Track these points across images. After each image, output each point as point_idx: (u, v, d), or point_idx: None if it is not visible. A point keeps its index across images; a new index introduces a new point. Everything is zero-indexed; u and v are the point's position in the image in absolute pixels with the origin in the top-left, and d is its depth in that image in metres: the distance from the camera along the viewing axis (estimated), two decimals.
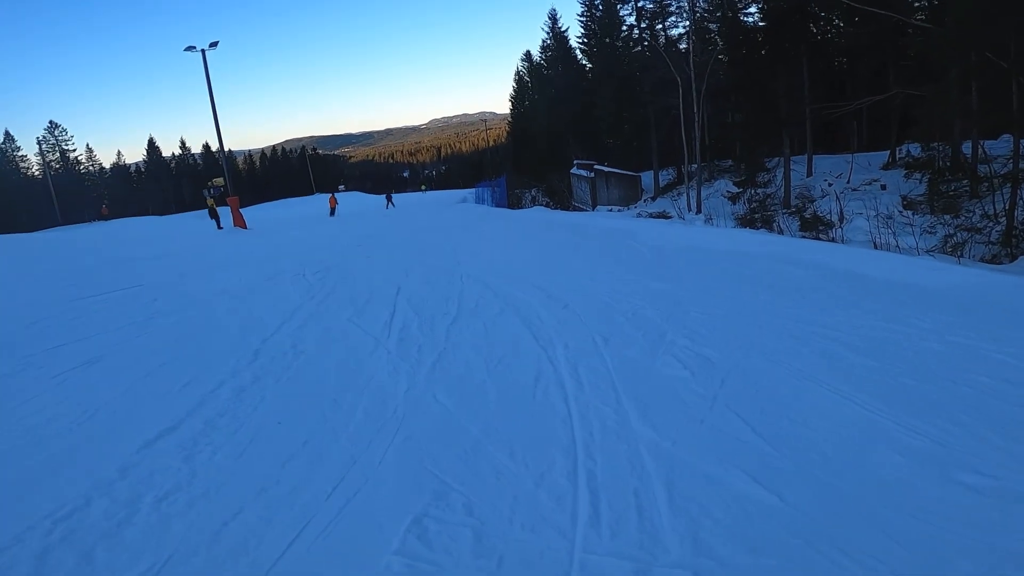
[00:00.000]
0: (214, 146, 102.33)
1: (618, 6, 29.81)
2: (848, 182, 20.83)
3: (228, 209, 25.13)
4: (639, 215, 22.00)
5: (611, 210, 27.34)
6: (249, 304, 6.38)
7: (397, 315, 5.27)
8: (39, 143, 69.59)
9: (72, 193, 71.02)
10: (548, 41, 41.26)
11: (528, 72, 62.68)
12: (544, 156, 39.78)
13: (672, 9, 27.61)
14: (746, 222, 18.08)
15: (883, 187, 19.44)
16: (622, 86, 28.51)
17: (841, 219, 16.02)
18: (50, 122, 79.43)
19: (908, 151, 21.53)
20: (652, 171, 30.86)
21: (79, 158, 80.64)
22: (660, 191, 29.08)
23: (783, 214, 18.89)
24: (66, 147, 78.80)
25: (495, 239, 11.28)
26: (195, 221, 41.98)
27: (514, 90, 65.81)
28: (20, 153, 74.55)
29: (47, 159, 78.93)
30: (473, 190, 58.07)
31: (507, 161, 68.88)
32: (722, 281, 6.18)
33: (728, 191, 21.40)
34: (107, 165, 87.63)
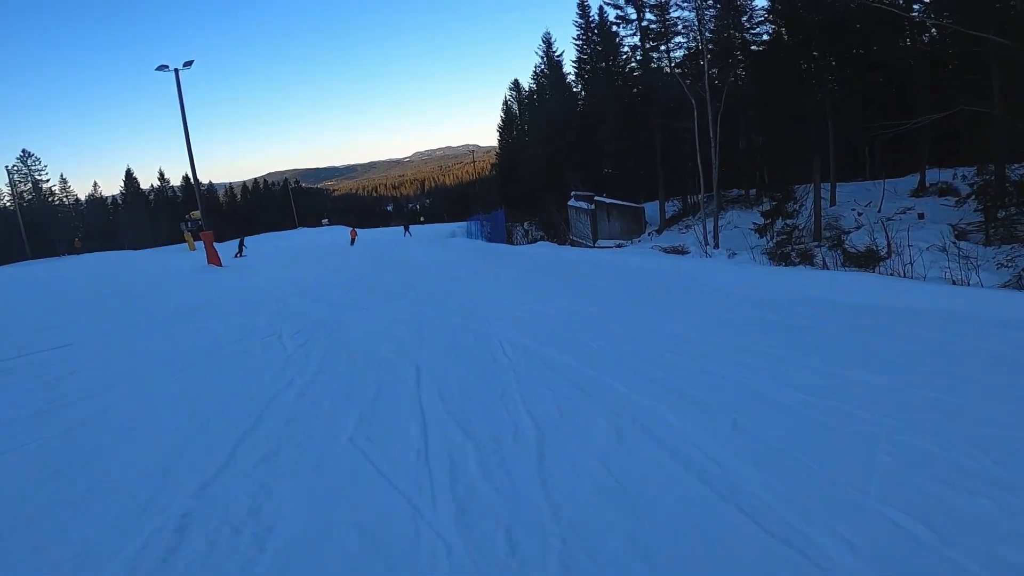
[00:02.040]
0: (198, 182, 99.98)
1: (618, 27, 28.46)
2: (879, 211, 19.28)
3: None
4: (654, 249, 20.18)
5: (620, 245, 25.56)
6: (199, 389, 4.34)
7: (432, 434, 3.11)
8: (8, 173, 66.89)
9: (44, 225, 68.51)
10: (542, 67, 39.96)
11: (517, 101, 61.78)
12: (538, 187, 38.17)
13: (678, 29, 26.29)
14: (779, 257, 16.33)
15: (920, 216, 17.85)
16: (625, 111, 27.00)
17: (890, 252, 14.31)
18: (23, 151, 77.09)
19: (940, 177, 20.13)
20: (655, 202, 29.27)
21: (53, 189, 78.20)
22: (666, 223, 27.42)
23: (816, 247, 17.19)
24: (39, 177, 76.34)
25: (518, 284, 9.30)
26: (169, 256, 39.72)
27: (502, 120, 64.71)
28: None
29: (18, 189, 76.42)
30: (462, 224, 56.45)
31: (494, 193, 67.58)
32: (936, 366, 3.91)
33: (754, 223, 19.68)
34: (83, 196, 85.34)
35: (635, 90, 27.87)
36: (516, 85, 62.40)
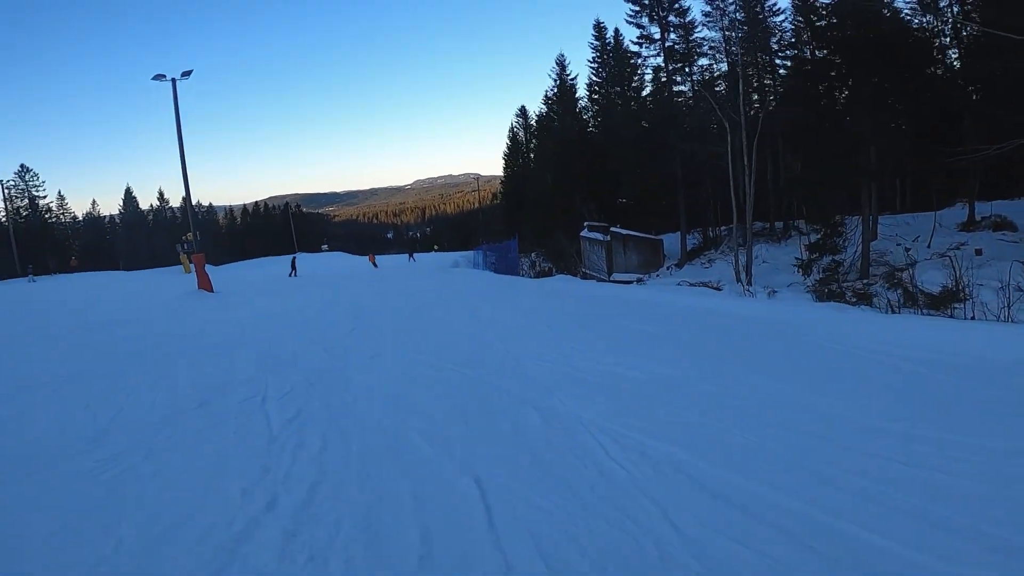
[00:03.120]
0: (194, 196, 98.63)
1: (641, 46, 27.23)
2: (929, 245, 17.79)
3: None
4: (683, 285, 18.57)
5: (639, 280, 23.97)
6: (125, 508, 2.69)
7: None
8: (2, 186, 65.57)
9: (38, 242, 67.06)
10: (555, 90, 38.73)
11: (524, 128, 60.81)
12: (547, 216, 36.71)
13: (704, 50, 25.08)
14: (826, 296, 14.76)
15: (978, 252, 16.34)
16: (644, 136, 25.64)
17: (962, 292, 12.74)
18: (21, 166, 76.06)
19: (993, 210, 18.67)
20: (673, 234, 27.82)
21: (50, 205, 77.01)
22: (686, 257, 25.90)
23: (864, 284, 15.63)
24: (36, 193, 75.18)
25: (558, 328, 7.60)
26: (162, 278, 38.00)
27: (508, 147, 63.81)
28: None
29: (14, 205, 75.16)
30: (464, 253, 54.95)
31: (498, 223, 66.27)
32: None
33: (796, 258, 18.15)
34: (80, 214, 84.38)
35: (656, 114, 26.55)
36: (523, 112, 61.53)
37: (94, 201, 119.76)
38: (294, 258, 37.82)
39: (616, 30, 33.80)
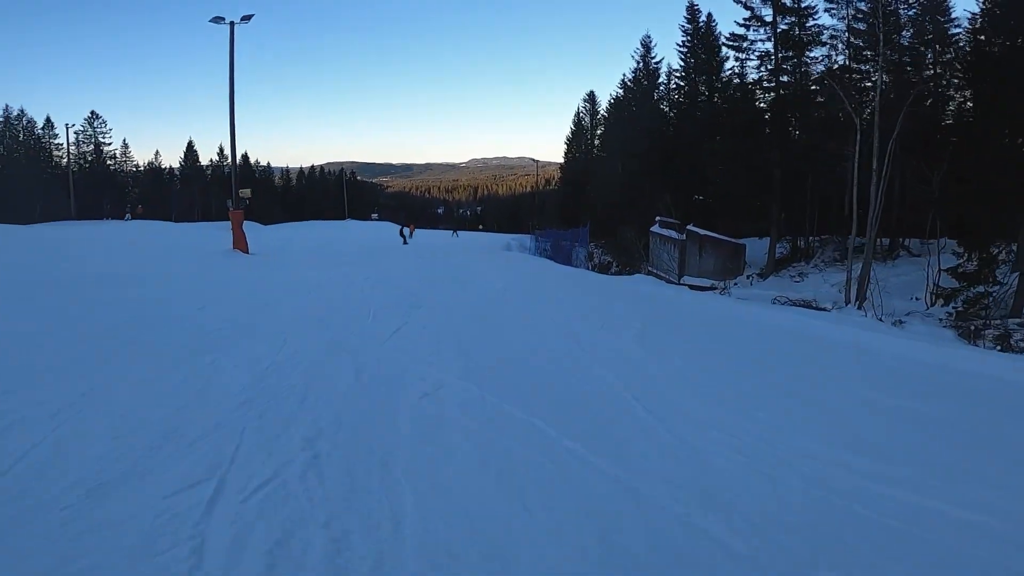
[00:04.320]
0: (252, 154, 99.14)
1: (749, 29, 24.07)
2: None
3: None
4: (779, 302, 15.83)
5: (713, 286, 21.24)
6: None
7: None
8: (67, 131, 66.10)
9: (97, 188, 67.73)
10: (635, 73, 35.59)
11: (590, 114, 57.93)
12: (612, 207, 34.00)
13: (824, 39, 21.89)
14: (973, 335, 11.92)
15: None
16: (743, 129, 22.68)
17: None
18: (91, 112, 77.01)
19: None
20: (755, 239, 24.89)
21: (114, 153, 77.81)
22: (773, 266, 22.99)
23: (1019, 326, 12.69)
24: (102, 139, 76.02)
25: (716, 375, 5.23)
26: (208, 232, 36.73)
27: (572, 132, 61.10)
28: (57, 141, 71.76)
29: (80, 150, 76.26)
30: (516, 236, 52.60)
31: (553, 209, 63.74)
32: None
33: (938, 286, 15.21)
34: (143, 163, 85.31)
35: (760, 106, 23.55)
36: (591, 97, 58.67)
37: (157, 152, 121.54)
38: (402, 227, 32.99)
39: (709, 15, 30.74)
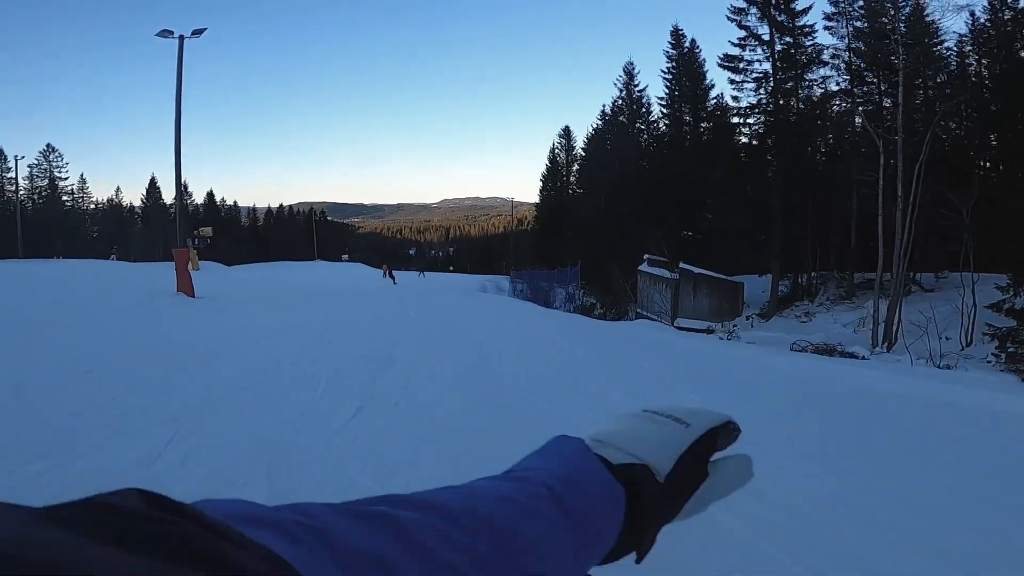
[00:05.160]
0: (218, 194, 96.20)
1: (746, 48, 22.92)
2: None
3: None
4: (800, 350, 14.07)
5: (710, 329, 19.50)
6: None
7: None
8: (17, 163, 63.10)
9: (50, 224, 64.52)
10: (617, 102, 34.41)
11: (566, 149, 57.10)
12: (595, 245, 32.41)
13: (825, 58, 20.75)
14: None
15: None
16: (736, 158, 21.33)
17: None
18: (47, 145, 74.07)
19: None
20: (760, 277, 23.38)
21: (70, 188, 74.64)
22: (776, 306, 21.40)
23: None
24: (58, 174, 72.89)
25: (806, 448, 3.35)
26: (159, 272, 33.88)
27: (547, 169, 60.12)
28: (9, 175, 68.56)
29: (34, 184, 73.09)
30: (491, 277, 50.65)
31: (527, 249, 62.28)
32: None
33: (992, 327, 13.57)
34: (103, 200, 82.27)
35: (758, 131, 22.28)
36: (567, 132, 58.07)
37: (118, 188, 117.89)
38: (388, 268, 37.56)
39: (693, 41, 29.96)
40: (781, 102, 21.95)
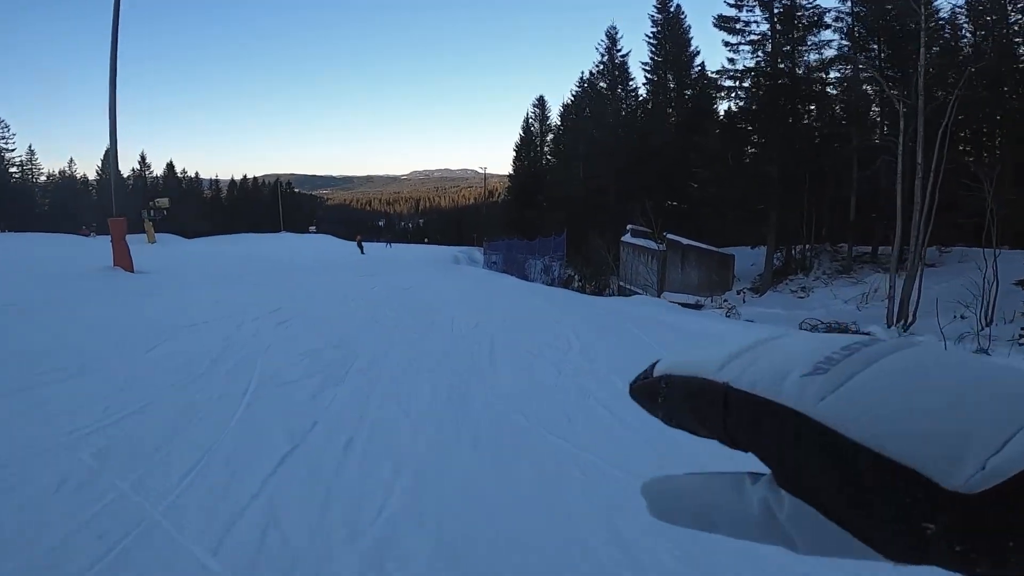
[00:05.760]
0: (179, 165, 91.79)
1: (741, 9, 21.32)
2: None
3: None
4: (808, 325, 12.85)
5: (698, 303, 18.28)
6: None
7: None
8: None
9: None
10: (600, 67, 32.41)
11: (539, 119, 55.50)
12: (575, 216, 30.90)
13: (828, 20, 19.30)
14: None
15: None
16: (730, 126, 19.93)
17: None
18: None
19: None
20: (753, 249, 22.18)
21: (15, 160, 70.61)
22: (770, 280, 20.23)
23: None
24: (4, 145, 68.86)
25: None
26: (100, 245, 31.48)
27: (520, 138, 58.34)
28: None
29: None
30: (463, 249, 48.99)
31: (500, 220, 60.78)
32: None
33: None
34: (56, 172, 78.19)
35: (756, 94, 20.78)
36: (541, 102, 56.38)
37: (71, 160, 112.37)
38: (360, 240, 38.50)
39: (678, 6, 28.34)
40: (780, 65, 20.49)
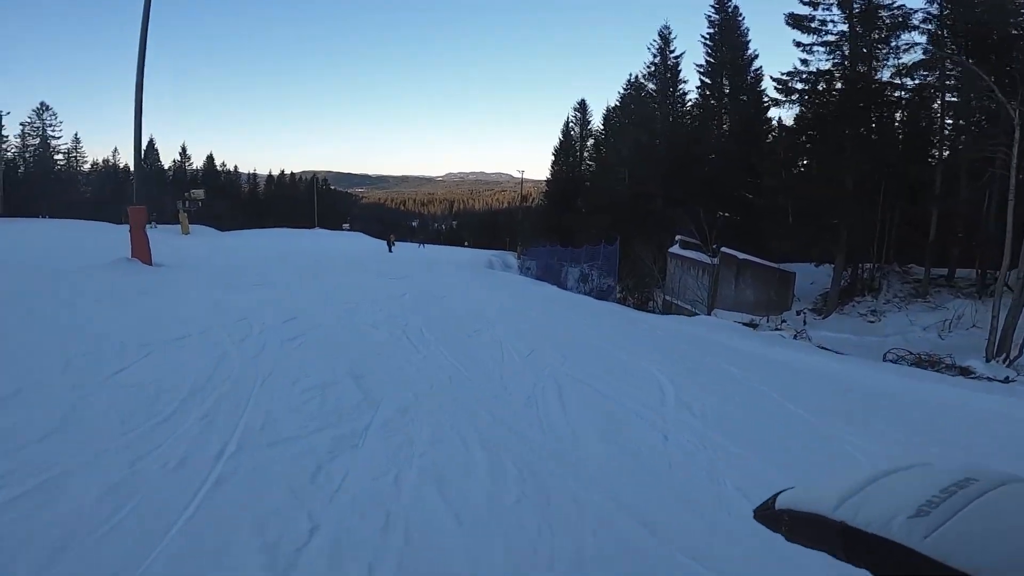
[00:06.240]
0: (219, 158, 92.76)
1: (817, 7, 19.62)
2: None
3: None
4: (893, 357, 11.22)
5: (753, 323, 16.68)
6: None
7: None
8: None
9: (38, 184, 61.73)
10: (651, 68, 30.62)
11: (580, 123, 54.30)
12: (617, 222, 29.39)
13: (915, 22, 17.53)
14: None
15: None
16: (815, 133, 18.19)
17: None
18: (41, 103, 71.19)
19: None
20: (817, 268, 20.47)
21: (61, 148, 71.64)
22: (836, 302, 18.50)
23: None
24: (51, 133, 69.87)
25: None
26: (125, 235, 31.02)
27: (560, 142, 57.06)
28: (3, 132, 65.81)
29: (26, 143, 70.34)
30: (497, 253, 47.84)
31: (535, 226, 59.63)
32: None
33: None
34: (99, 161, 79.39)
35: (833, 97, 19.07)
36: (582, 106, 55.07)
37: (116, 150, 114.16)
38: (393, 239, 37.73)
39: (735, 8, 26.68)
40: (860, 68, 18.74)
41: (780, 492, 0.38)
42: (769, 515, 0.37)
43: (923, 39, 17.85)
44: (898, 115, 18.55)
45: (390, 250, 33.19)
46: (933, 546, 0.29)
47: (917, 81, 18.13)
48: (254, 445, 2.82)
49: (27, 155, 68.60)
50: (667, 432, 3.42)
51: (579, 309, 10.17)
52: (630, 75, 33.88)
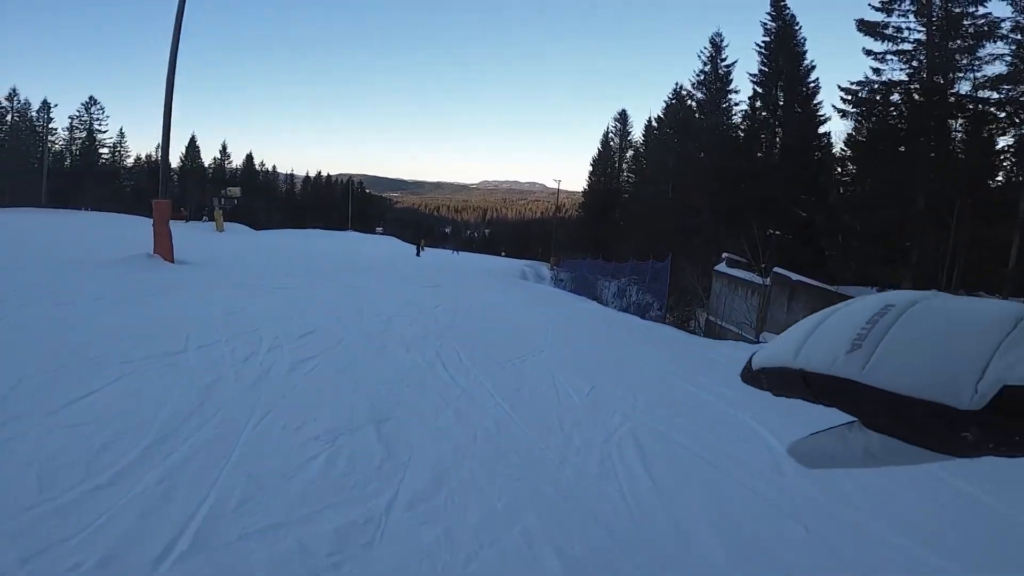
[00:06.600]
0: (258, 157, 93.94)
1: (891, 13, 18.27)
2: None
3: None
4: None
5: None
6: None
7: None
8: (48, 112, 61.86)
9: (82, 176, 62.95)
10: (701, 77, 29.29)
11: (620, 134, 53.26)
12: (657, 236, 28.20)
13: (1002, 31, 16.10)
14: None
15: None
16: (884, 148, 16.86)
17: None
18: (89, 97, 72.95)
19: None
20: (875, 290, 19.04)
21: (106, 142, 72.98)
22: None
23: None
24: (97, 127, 71.32)
25: None
26: (176, 232, 30.91)
27: (599, 152, 56.07)
28: (51, 125, 67.40)
29: (73, 137, 71.95)
30: (529, 263, 46.92)
31: (570, 237, 58.72)
32: None
33: None
34: (143, 156, 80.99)
35: (904, 111, 17.71)
36: (623, 116, 54.15)
37: (159, 145, 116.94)
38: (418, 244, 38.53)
39: (792, 16, 25.32)
40: (937, 79, 17.31)
41: (754, 352, 0.39)
42: (752, 376, 0.38)
43: (1008, 50, 16.37)
44: (983, 131, 17.02)
45: (418, 254, 33.20)
46: (871, 376, 0.31)
47: (1000, 96, 16.67)
48: (218, 539, 1.91)
49: (73, 148, 70.10)
50: (804, 521, 2.40)
51: (632, 332, 9.15)
52: (676, 84, 32.73)
